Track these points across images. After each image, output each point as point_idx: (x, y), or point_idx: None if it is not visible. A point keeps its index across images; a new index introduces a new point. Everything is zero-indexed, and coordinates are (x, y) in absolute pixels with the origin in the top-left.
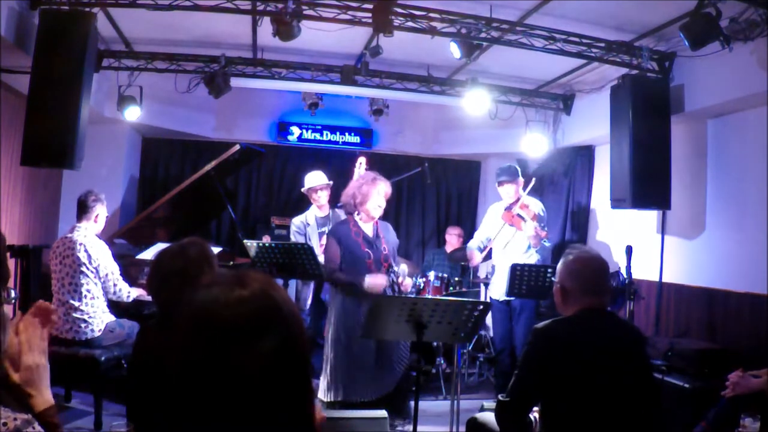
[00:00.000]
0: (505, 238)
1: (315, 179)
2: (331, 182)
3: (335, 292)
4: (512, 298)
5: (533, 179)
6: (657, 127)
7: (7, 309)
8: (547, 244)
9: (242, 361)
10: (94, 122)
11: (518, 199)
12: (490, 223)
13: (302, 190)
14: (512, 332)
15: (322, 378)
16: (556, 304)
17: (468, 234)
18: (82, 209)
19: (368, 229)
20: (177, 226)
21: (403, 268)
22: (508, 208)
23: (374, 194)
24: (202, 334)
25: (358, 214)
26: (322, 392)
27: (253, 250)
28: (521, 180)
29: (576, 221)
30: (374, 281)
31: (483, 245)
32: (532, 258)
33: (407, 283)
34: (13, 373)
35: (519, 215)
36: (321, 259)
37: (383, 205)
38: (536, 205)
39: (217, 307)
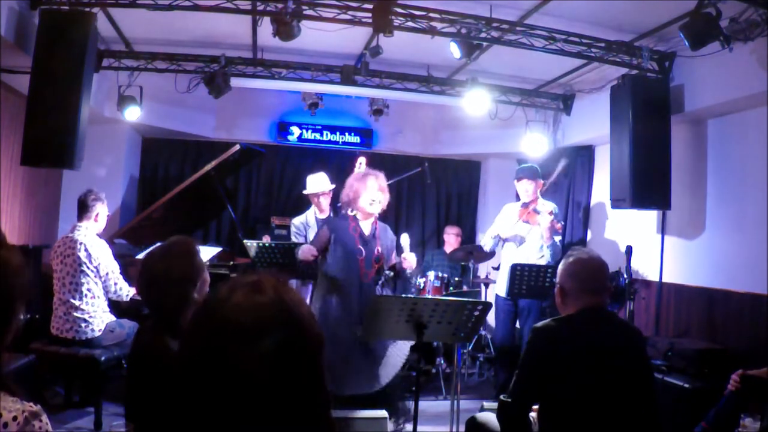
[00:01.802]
0: (519, 237)
1: (318, 185)
2: (334, 186)
3: (317, 288)
4: (519, 298)
5: (543, 182)
6: (657, 127)
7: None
8: (558, 239)
9: (258, 363)
10: (94, 122)
11: (536, 199)
12: (505, 221)
13: (304, 192)
14: (517, 332)
15: None
16: (557, 304)
17: (466, 234)
18: (83, 209)
19: (366, 227)
20: (177, 226)
21: (405, 239)
22: (525, 206)
23: (364, 190)
24: (221, 336)
25: (352, 212)
26: None
27: (253, 250)
28: (541, 182)
29: (576, 221)
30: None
31: (494, 241)
32: (544, 259)
33: (411, 260)
34: None
35: (535, 210)
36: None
37: (378, 198)
38: (550, 205)
39: (238, 312)
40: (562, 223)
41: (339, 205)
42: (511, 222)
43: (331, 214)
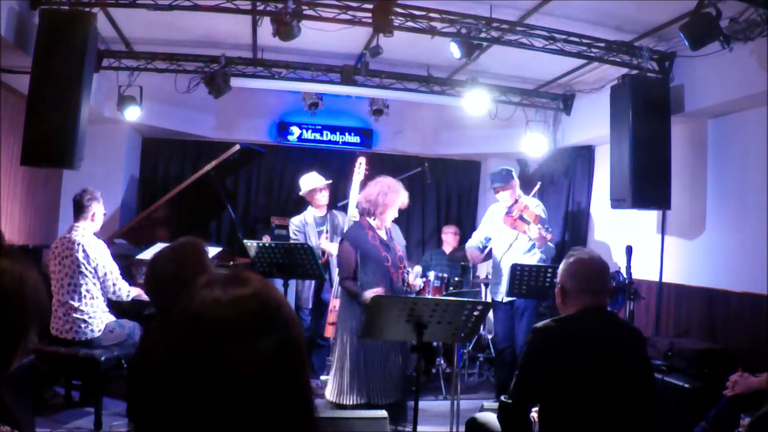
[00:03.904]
0: (508, 241)
1: (315, 181)
2: (330, 181)
3: (349, 304)
4: (515, 299)
5: (539, 183)
6: (657, 127)
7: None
8: (551, 245)
9: (242, 360)
10: (94, 122)
11: (516, 201)
12: (490, 225)
13: (301, 193)
14: (514, 332)
15: (332, 378)
16: (557, 305)
17: (464, 232)
18: (79, 209)
19: (382, 232)
20: (177, 226)
21: (417, 269)
22: (509, 212)
23: (396, 205)
24: (202, 333)
25: (373, 218)
26: (336, 394)
27: (253, 250)
28: (516, 181)
29: (576, 221)
30: (371, 294)
31: (482, 245)
32: (535, 257)
33: (417, 283)
34: None
35: (521, 218)
36: (331, 253)
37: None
38: (536, 206)
39: (217, 306)
40: (551, 233)
41: (339, 204)
42: (499, 231)
43: (329, 212)
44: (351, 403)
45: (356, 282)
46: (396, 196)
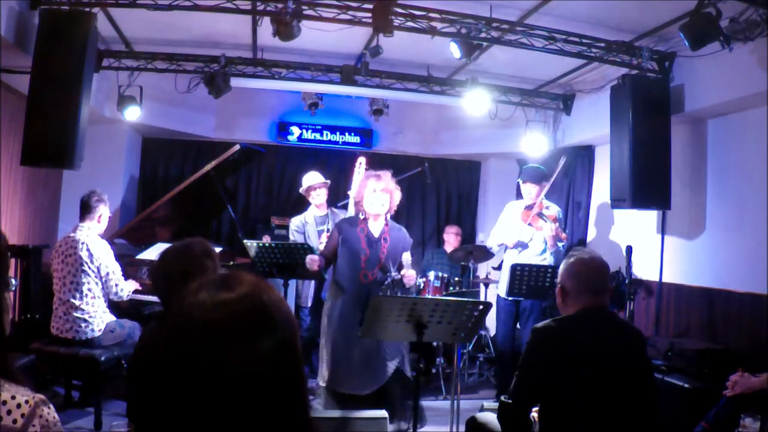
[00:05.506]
0: (524, 239)
1: (312, 178)
2: (329, 181)
3: (329, 289)
4: (521, 299)
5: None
6: (657, 127)
7: (8, 296)
8: (561, 245)
9: (233, 361)
10: (94, 122)
11: (539, 202)
12: (508, 222)
13: (300, 190)
14: (518, 333)
15: (320, 364)
16: (557, 305)
17: (466, 233)
18: (85, 209)
19: (376, 229)
20: (177, 226)
21: (406, 257)
22: (528, 208)
23: (364, 192)
24: (191, 336)
25: (363, 213)
26: (325, 380)
27: (253, 250)
28: (546, 185)
29: (576, 221)
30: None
31: (501, 249)
32: (546, 261)
33: (410, 274)
34: None
35: (540, 215)
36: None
37: (377, 200)
38: (554, 209)
39: (203, 309)
40: (567, 232)
41: (339, 204)
42: (514, 225)
43: (330, 211)
44: (323, 385)
45: (323, 259)
46: (362, 186)
